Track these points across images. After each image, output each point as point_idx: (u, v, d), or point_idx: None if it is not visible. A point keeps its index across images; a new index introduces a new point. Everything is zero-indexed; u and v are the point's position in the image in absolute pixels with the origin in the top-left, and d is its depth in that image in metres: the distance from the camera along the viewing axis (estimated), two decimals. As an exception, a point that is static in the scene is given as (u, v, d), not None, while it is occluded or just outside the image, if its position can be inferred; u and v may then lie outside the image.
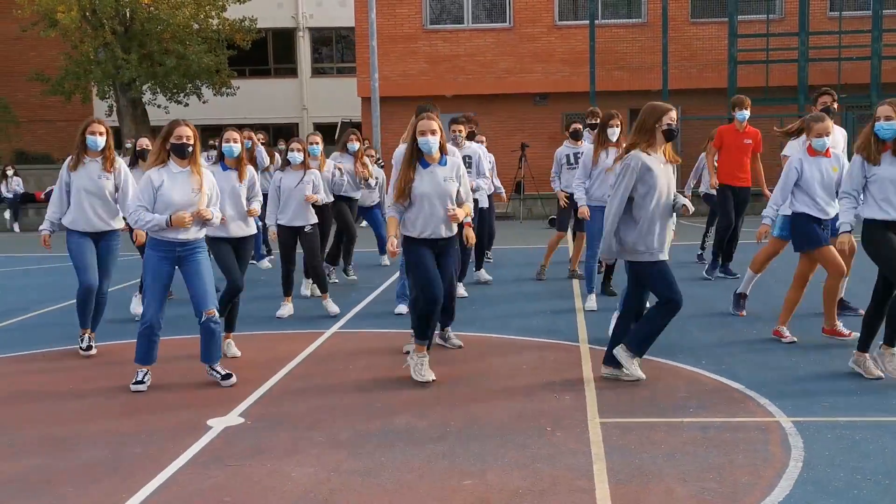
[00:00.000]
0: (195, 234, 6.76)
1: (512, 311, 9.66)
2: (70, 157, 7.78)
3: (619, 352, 6.67)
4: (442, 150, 6.82)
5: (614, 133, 9.31)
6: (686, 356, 7.43)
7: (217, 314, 6.85)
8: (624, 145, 6.98)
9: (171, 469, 5.12)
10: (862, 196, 6.63)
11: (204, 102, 29.55)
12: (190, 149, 6.67)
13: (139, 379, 6.83)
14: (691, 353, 7.54)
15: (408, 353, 7.26)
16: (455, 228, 6.99)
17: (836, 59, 21.81)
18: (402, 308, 9.36)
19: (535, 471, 4.96)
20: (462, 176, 6.92)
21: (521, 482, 4.80)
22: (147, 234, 6.81)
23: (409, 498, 4.66)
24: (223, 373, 6.91)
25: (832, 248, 7.46)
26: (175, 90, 28.56)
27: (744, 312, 9.04)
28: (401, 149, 7.81)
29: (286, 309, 9.62)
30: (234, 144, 7.76)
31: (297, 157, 9.51)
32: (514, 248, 15.84)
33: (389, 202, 6.94)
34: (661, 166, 6.50)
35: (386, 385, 6.84)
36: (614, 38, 24.14)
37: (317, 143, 10.62)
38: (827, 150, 7.61)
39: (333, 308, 9.58)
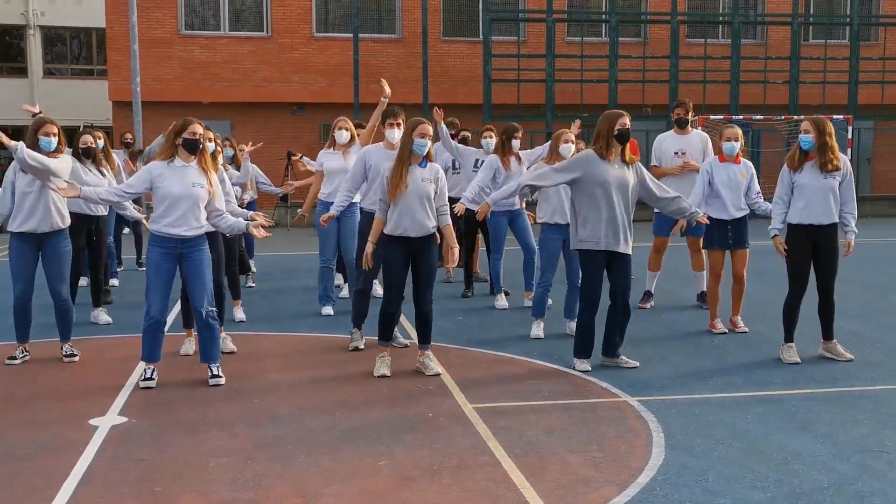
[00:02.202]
0: (195, 231, 6.78)
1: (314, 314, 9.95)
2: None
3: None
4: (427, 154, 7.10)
5: (516, 144, 9.91)
6: (516, 348, 8.09)
7: (214, 311, 6.96)
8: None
9: (82, 466, 5.13)
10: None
11: (-73, 101, 27.56)
12: (200, 145, 6.78)
13: (147, 376, 6.86)
14: (520, 344, 8.21)
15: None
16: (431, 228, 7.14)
17: (579, 81, 23.60)
18: (329, 310, 9.68)
19: (437, 450, 5.40)
20: (441, 180, 7.17)
21: (432, 460, 5.23)
22: (150, 232, 6.79)
23: (338, 477, 4.97)
24: (216, 373, 6.98)
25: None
26: None
27: (648, 305, 10.05)
28: (370, 149, 8.12)
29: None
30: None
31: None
32: (302, 254, 15.98)
33: (377, 200, 7.16)
34: (615, 168, 7.12)
35: (239, 383, 7.03)
36: (371, 52, 24.80)
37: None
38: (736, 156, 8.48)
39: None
